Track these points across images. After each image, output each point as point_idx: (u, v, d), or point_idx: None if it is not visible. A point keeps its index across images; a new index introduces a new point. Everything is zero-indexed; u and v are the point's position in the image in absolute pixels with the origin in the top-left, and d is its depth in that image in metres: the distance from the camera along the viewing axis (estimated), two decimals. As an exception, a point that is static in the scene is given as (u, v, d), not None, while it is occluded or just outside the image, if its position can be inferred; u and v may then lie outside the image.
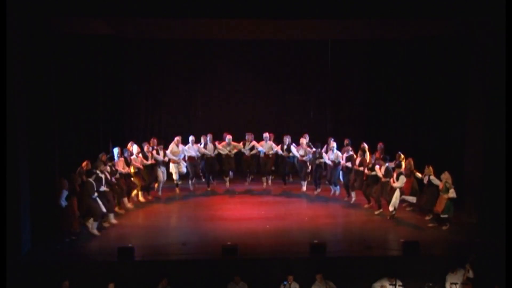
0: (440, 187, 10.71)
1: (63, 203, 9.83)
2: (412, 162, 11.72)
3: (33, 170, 9.58)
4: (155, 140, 13.85)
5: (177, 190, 13.39)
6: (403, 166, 11.57)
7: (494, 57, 10.08)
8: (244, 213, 11.79)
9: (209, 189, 13.74)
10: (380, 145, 13.14)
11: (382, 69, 15.28)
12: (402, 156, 11.94)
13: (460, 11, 9.96)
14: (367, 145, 13.41)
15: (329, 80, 16.04)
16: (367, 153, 12.32)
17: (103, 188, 10.39)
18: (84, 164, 11.19)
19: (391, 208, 11.10)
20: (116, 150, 12.81)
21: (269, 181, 14.09)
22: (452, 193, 10.46)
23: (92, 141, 13.47)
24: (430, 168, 11.14)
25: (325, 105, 16.21)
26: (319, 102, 16.22)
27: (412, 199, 11.40)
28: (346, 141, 13.37)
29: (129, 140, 13.73)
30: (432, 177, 10.97)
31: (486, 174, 10.41)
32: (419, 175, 11.42)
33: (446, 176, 10.69)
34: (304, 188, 13.48)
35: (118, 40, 14.09)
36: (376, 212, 11.39)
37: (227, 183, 13.87)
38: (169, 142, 13.84)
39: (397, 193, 11.05)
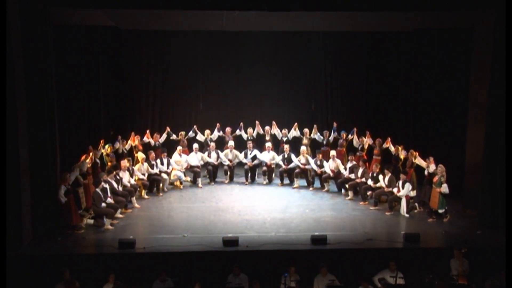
0: (434, 180, 10.65)
1: (62, 199, 9.80)
2: (415, 154, 11.70)
3: (34, 161, 9.52)
4: (158, 136, 13.91)
5: (178, 182, 13.36)
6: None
7: (496, 48, 9.97)
8: (245, 205, 11.74)
9: (212, 183, 13.71)
10: (378, 141, 13.13)
11: (383, 61, 15.19)
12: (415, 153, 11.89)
13: (461, 2, 9.85)
14: (369, 132, 13.47)
15: (329, 72, 15.96)
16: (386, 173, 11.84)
17: (109, 200, 10.39)
18: (82, 158, 11.25)
19: (406, 215, 10.96)
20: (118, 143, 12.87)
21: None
22: (444, 188, 10.39)
23: (93, 133, 13.42)
24: (431, 159, 11.12)
25: (326, 97, 16.14)
26: (320, 94, 16.14)
27: (413, 193, 11.34)
28: (335, 124, 14.14)
29: (130, 132, 13.76)
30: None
31: (487, 166, 10.33)
32: (422, 162, 11.38)
33: (441, 169, 10.62)
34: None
35: (118, 31, 13.99)
36: (387, 213, 11.24)
37: (227, 180, 13.85)
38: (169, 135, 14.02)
39: (403, 202, 10.99)
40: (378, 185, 11.65)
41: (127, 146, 13.25)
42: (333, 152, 13.15)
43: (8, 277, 7.57)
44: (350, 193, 12.33)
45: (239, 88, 16.08)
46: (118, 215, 10.76)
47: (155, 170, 12.67)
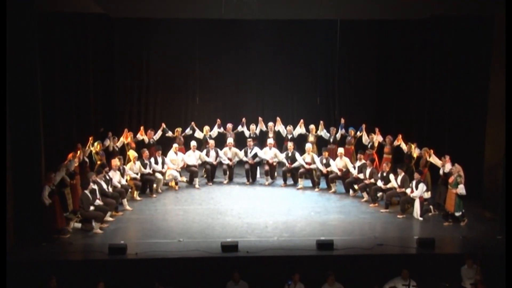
0: (450, 180, 10.56)
1: (46, 200, 9.71)
2: (429, 152, 11.61)
3: (17, 160, 9.42)
4: (152, 132, 13.88)
5: (173, 182, 13.31)
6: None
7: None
8: (245, 207, 11.68)
9: (210, 184, 13.65)
10: (389, 138, 13.06)
11: (395, 51, 15.10)
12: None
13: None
14: (378, 128, 13.38)
15: (338, 64, 15.88)
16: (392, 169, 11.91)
17: (98, 202, 10.34)
18: (69, 156, 11.17)
19: (420, 218, 10.89)
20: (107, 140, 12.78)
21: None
22: (461, 189, 10.33)
23: (82, 130, 13.37)
24: (447, 157, 11.04)
25: (333, 91, 16.07)
26: (327, 87, 16.07)
27: (427, 194, 11.26)
28: (342, 120, 14.16)
29: (122, 128, 13.70)
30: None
31: (509, 165, 10.23)
32: (437, 161, 11.30)
33: (457, 168, 10.54)
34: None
35: (109, 19, 13.90)
36: (399, 216, 11.16)
37: (226, 180, 13.80)
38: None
39: (417, 204, 10.91)
40: (389, 185, 11.56)
41: (119, 144, 13.19)
42: (340, 150, 13.07)
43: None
44: (365, 195, 12.20)
45: (239, 81, 16.05)
46: (108, 218, 10.71)
47: (149, 170, 12.61)
